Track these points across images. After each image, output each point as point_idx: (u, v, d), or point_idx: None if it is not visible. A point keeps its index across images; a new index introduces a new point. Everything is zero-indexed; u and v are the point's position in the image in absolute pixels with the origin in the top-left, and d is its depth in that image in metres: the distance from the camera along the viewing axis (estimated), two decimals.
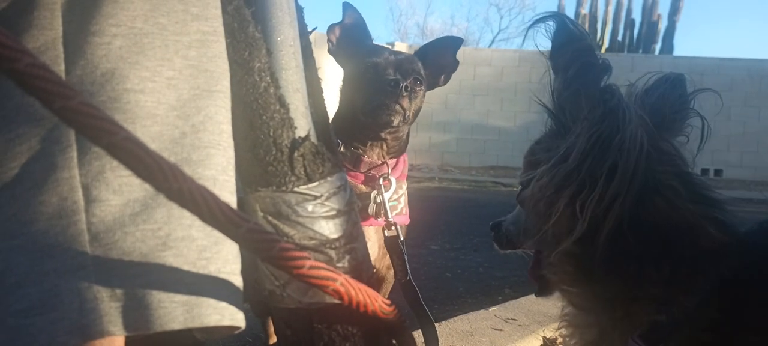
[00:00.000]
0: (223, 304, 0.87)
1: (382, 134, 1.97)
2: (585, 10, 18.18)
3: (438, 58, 2.11)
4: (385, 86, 1.92)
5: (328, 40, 2.07)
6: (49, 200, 0.80)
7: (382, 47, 2.09)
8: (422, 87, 2.01)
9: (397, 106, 1.92)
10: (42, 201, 0.80)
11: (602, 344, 1.10)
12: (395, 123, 1.94)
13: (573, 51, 1.05)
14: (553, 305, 3.06)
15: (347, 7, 2.07)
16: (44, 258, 0.78)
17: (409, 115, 1.96)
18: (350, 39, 2.06)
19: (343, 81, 2.05)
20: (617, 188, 0.97)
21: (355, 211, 1.14)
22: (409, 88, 1.94)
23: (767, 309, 0.96)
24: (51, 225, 0.79)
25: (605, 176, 0.98)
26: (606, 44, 17.93)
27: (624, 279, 1.02)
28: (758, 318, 0.96)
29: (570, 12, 18.65)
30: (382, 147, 2.00)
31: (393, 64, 1.97)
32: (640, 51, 17.44)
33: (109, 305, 0.79)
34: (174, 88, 0.89)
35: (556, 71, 1.09)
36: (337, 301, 0.93)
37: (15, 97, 0.82)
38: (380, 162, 1.99)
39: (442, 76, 2.14)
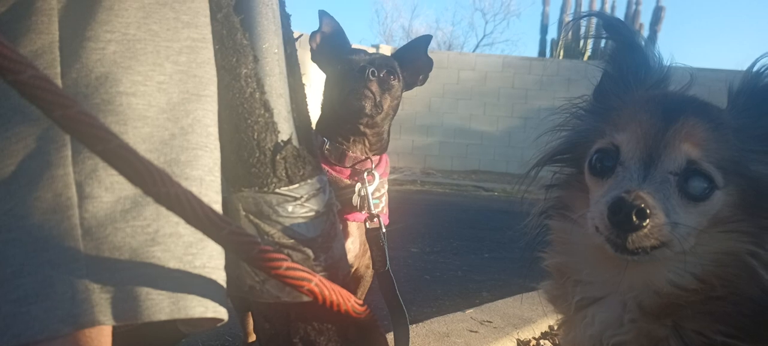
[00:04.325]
0: (207, 297, 0.92)
1: (361, 127, 2.02)
2: (569, 17, 18.32)
3: (413, 59, 2.18)
4: (355, 73, 2.00)
5: (310, 47, 2.13)
6: (44, 196, 0.84)
7: (360, 50, 2.16)
8: (397, 81, 2.08)
9: (367, 91, 1.98)
10: (37, 197, 0.84)
11: None
12: (367, 109, 1.99)
13: None
14: (529, 308, 3.13)
15: (324, 15, 2.14)
16: (39, 251, 0.83)
17: (381, 103, 2.01)
18: (331, 45, 2.12)
19: (325, 83, 2.12)
20: None
21: (333, 212, 1.19)
22: (377, 75, 2.01)
23: None
24: (45, 219, 0.84)
25: None
26: (589, 52, 18.08)
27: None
28: None
29: (554, 19, 18.80)
30: (364, 143, 2.06)
31: (366, 60, 2.05)
32: None
33: (100, 295, 0.84)
34: (164, 92, 0.93)
35: None
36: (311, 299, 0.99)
37: (12, 98, 0.86)
38: (364, 157, 2.05)
39: (420, 76, 2.21)
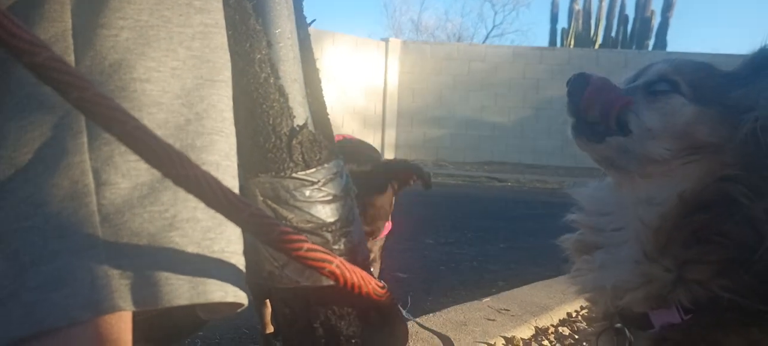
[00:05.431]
0: (227, 281, 0.91)
1: None
2: (579, 6, 18.21)
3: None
4: None
5: None
6: (61, 183, 0.84)
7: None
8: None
9: None
10: (54, 184, 0.84)
11: (655, 301, 1.09)
12: None
13: None
14: (546, 296, 3.12)
15: None
16: (57, 238, 0.82)
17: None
18: None
19: None
20: None
21: (351, 196, 1.18)
22: None
23: None
24: (63, 207, 0.83)
25: None
26: (600, 40, 17.97)
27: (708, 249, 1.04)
28: None
29: (564, 7, 18.69)
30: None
31: None
32: (634, 47, 17.49)
33: (119, 282, 0.83)
34: (178, 77, 0.93)
35: None
36: (332, 282, 0.98)
37: (27, 85, 0.86)
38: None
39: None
